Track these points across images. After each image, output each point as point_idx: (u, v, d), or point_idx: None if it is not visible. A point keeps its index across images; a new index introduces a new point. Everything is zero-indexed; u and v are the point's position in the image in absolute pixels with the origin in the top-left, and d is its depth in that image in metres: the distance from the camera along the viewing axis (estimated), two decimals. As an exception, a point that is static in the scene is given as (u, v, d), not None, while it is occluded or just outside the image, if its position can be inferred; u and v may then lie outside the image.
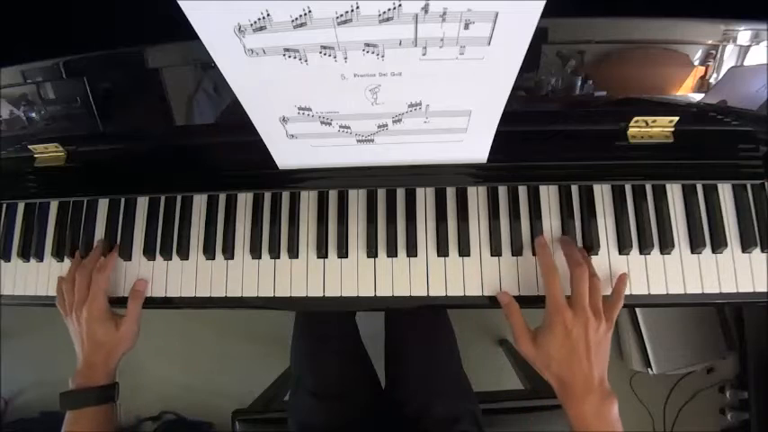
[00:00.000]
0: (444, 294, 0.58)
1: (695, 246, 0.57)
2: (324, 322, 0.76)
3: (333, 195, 0.62)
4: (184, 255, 0.63)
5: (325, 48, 0.40)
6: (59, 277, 0.64)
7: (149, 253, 0.64)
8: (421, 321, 0.76)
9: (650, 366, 1.24)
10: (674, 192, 0.59)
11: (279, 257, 0.61)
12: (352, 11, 0.36)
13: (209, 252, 0.62)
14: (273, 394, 1.04)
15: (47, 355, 1.47)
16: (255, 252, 0.62)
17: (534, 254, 0.58)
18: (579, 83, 0.52)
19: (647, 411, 1.33)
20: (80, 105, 0.58)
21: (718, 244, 0.56)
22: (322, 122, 0.50)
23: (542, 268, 0.55)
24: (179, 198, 0.65)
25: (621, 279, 0.55)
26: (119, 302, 0.63)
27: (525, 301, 0.56)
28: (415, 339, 0.75)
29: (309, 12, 0.36)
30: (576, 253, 0.55)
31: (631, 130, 0.58)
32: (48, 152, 0.66)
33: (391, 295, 0.59)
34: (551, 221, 0.59)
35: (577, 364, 0.49)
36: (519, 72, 0.42)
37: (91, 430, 0.56)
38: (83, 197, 0.67)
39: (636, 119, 0.56)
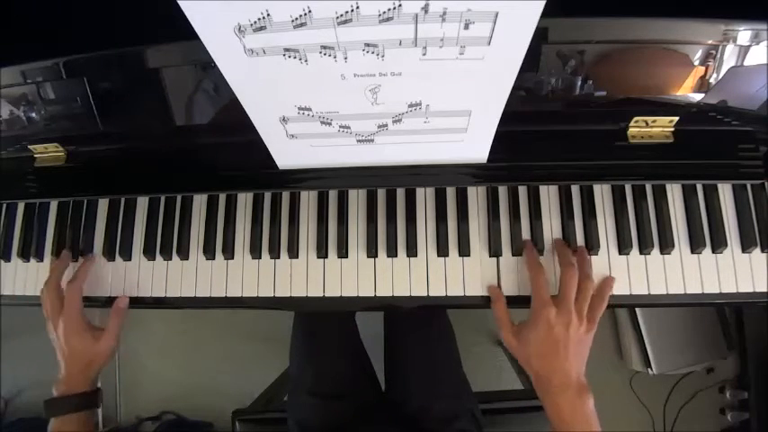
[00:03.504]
0: (444, 294, 0.58)
1: (695, 246, 0.57)
2: (323, 322, 0.76)
3: (333, 195, 0.62)
4: (184, 255, 0.63)
5: (325, 48, 0.40)
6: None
7: (149, 253, 0.64)
8: (420, 322, 0.76)
9: (650, 366, 1.24)
10: (674, 192, 0.59)
11: (279, 257, 0.61)
12: (352, 11, 0.36)
13: (209, 252, 0.62)
14: (273, 394, 1.04)
15: (47, 355, 1.45)
16: (255, 252, 0.62)
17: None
18: (579, 83, 0.52)
19: (647, 411, 1.33)
20: (80, 105, 0.58)
21: (718, 244, 0.56)
22: (322, 122, 0.50)
23: (528, 266, 0.56)
24: (179, 198, 0.65)
25: (607, 282, 0.55)
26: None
27: (525, 301, 0.56)
28: (415, 339, 0.76)
29: (309, 12, 0.36)
30: (569, 254, 0.55)
31: (631, 130, 0.57)
32: (48, 152, 0.66)
33: (391, 295, 0.59)
34: (551, 221, 0.59)
35: (556, 360, 0.50)
36: (519, 72, 0.42)
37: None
38: (83, 197, 0.67)
39: (636, 119, 0.56)
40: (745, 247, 0.56)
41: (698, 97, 0.53)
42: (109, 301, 0.63)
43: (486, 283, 0.58)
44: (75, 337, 0.58)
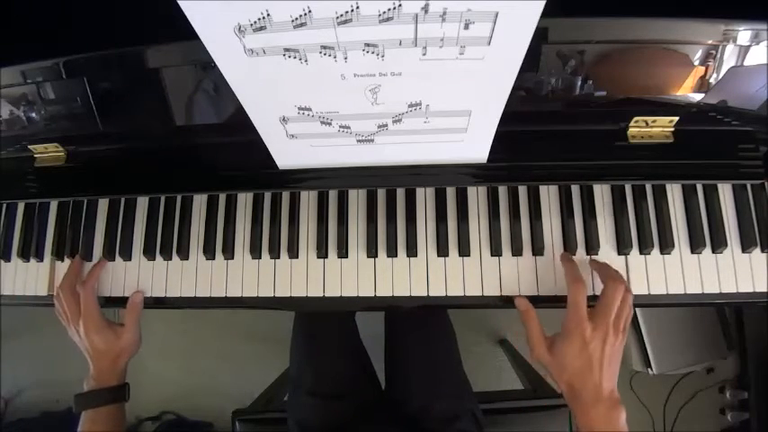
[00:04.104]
0: (444, 294, 0.58)
1: (695, 246, 0.57)
2: (323, 322, 0.76)
3: (333, 195, 0.62)
4: (184, 255, 0.63)
5: (325, 48, 0.40)
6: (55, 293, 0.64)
7: (149, 253, 0.64)
8: (421, 321, 0.76)
9: (650, 366, 1.24)
10: (674, 192, 0.59)
11: (279, 257, 0.61)
12: (352, 11, 0.36)
13: (209, 252, 0.62)
14: (273, 394, 1.04)
15: (47, 355, 1.47)
16: (255, 252, 0.62)
17: (534, 254, 0.58)
18: (579, 83, 0.52)
19: (647, 411, 1.34)
20: (80, 105, 0.58)
21: (718, 244, 0.56)
22: (322, 122, 0.50)
23: (569, 279, 0.54)
24: (179, 198, 0.65)
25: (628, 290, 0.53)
26: (118, 303, 0.63)
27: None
28: (415, 339, 0.76)
29: (309, 12, 0.36)
30: (611, 269, 0.53)
31: (631, 130, 0.57)
32: (48, 152, 0.66)
33: (391, 295, 0.59)
34: (551, 221, 0.59)
35: (590, 375, 0.49)
36: (519, 72, 0.42)
37: (105, 429, 0.58)
38: (83, 197, 0.67)
39: (636, 119, 0.56)
40: (745, 247, 0.56)
41: (698, 97, 0.53)
42: (109, 302, 0.63)
43: (487, 283, 0.58)
44: (96, 336, 0.59)
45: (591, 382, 0.49)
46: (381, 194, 0.62)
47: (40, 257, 0.67)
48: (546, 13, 0.35)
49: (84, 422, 0.58)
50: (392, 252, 0.60)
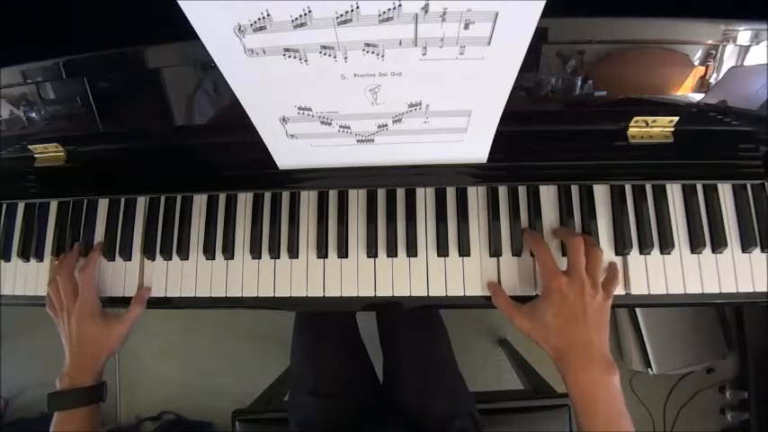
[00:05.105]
0: (444, 294, 0.58)
1: (695, 246, 0.57)
2: (324, 321, 0.76)
3: (333, 195, 0.62)
4: (184, 255, 0.63)
5: (325, 48, 0.40)
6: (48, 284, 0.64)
7: (149, 253, 0.64)
8: (413, 324, 0.76)
9: (650, 366, 1.25)
10: (674, 192, 0.59)
11: (279, 257, 0.61)
12: (352, 11, 0.36)
13: (209, 252, 0.62)
14: (273, 394, 1.04)
15: (47, 355, 1.46)
16: (255, 252, 0.62)
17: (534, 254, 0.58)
18: (579, 83, 0.52)
19: (647, 411, 1.34)
20: (80, 105, 0.58)
21: (718, 244, 0.56)
22: (322, 122, 0.50)
23: (530, 243, 0.56)
24: (179, 198, 0.65)
25: (613, 263, 0.56)
26: (117, 303, 0.63)
27: (525, 301, 0.56)
28: (409, 342, 0.75)
29: (309, 12, 0.36)
30: (568, 230, 0.56)
31: (631, 130, 0.57)
32: (48, 152, 0.66)
33: (391, 295, 0.59)
34: (551, 221, 0.59)
35: (575, 330, 0.47)
36: (519, 72, 0.42)
37: (80, 430, 0.56)
38: (83, 197, 0.67)
39: (636, 119, 0.56)
40: (746, 247, 0.56)
41: (698, 97, 0.53)
42: (109, 302, 0.63)
43: (487, 283, 0.58)
44: (89, 322, 0.58)
45: (577, 338, 0.47)
46: (381, 194, 0.62)
47: (40, 257, 0.67)
48: (546, 13, 0.35)
49: (57, 423, 0.56)
50: (392, 252, 0.60)
